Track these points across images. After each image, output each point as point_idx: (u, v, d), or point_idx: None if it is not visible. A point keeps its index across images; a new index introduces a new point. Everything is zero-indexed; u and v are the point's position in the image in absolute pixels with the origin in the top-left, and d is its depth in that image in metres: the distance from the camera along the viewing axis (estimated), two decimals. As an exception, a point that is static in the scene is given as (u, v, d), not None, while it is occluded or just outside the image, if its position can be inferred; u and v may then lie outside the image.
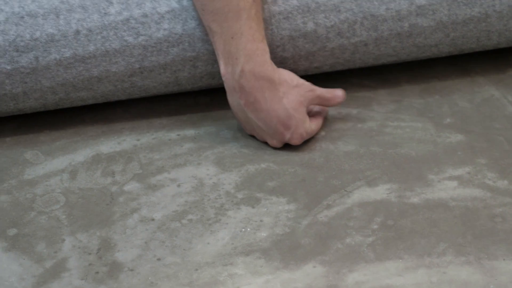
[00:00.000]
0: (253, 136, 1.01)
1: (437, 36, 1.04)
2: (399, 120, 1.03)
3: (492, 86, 1.08)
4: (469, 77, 1.11)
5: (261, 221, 0.88)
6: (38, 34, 0.97)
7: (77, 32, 0.98)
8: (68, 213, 0.90)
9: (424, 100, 1.06)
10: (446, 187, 0.91)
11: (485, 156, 0.95)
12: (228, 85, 0.96)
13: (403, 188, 0.91)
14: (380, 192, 0.91)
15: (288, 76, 0.97)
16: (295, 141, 0.97)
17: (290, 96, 0.96)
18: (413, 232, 0.85)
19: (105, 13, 0.98)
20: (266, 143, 0.99)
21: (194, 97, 1.10)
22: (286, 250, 0.84)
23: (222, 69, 0.95)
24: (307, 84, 0.98)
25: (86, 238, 0.87)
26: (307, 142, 0.99)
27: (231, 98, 0.97)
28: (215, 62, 1.01)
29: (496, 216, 0.86)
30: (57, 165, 0.98)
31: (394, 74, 1.12)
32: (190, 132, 1.03)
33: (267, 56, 0.95)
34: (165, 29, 0.99)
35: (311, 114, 1.00)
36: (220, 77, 1.03)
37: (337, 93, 1.00)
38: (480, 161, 0.95)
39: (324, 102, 0.99)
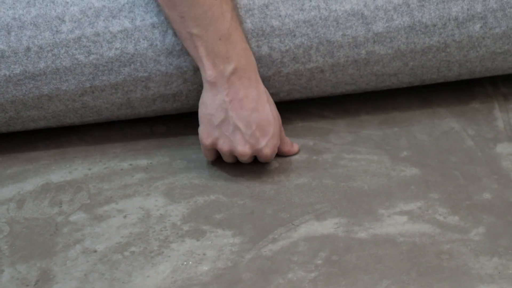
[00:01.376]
0: (208, 164, 0.99)
1: (396, 64, 1.03)
2: (355, 153, 1.01)
3: (453, 119, 1.06)
4: (430, 108, 1.09)
5: (204, 254, 0.86)
6: None
7: (28, 49, 0.97)
8: (10, 243, 0.89)
9: (382, 132, 1.05)
10: (396, 222, 0.89)
11: (438, 190, 0.93)
12: (215, 84, 0.93)
13: (351, 222, 0.89)
14: (327, 226, 0.89)
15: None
16: (268, 150, 0.95)
17: (272, 106, 0.96)
18: (357, 268, 0.83)
19: (57, 31, 0.97)
20: (217, 173, 0.98)
21: (151, 126, 1.08)
22: (226, 285, 0.82)
23: (209, 70, 0.93)
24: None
25: (25, 269, 0.85)
26: (260, 173, 0.97)
27: (213, 97, 0.94)
28: (167, 83, 1.00)
29: (443, 253, 0.84)
30: (5, 194, 0.97)
31: (354, 105, 1.10)
32: (142, 162, 1.01)
33: (253, 57, 0.96)
34: (116, 48, 0.98)
35: None
36: (174, 102, 1.01)
37: (295, 146, 1.02)
38: (433, 196, 0.93)
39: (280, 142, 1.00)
